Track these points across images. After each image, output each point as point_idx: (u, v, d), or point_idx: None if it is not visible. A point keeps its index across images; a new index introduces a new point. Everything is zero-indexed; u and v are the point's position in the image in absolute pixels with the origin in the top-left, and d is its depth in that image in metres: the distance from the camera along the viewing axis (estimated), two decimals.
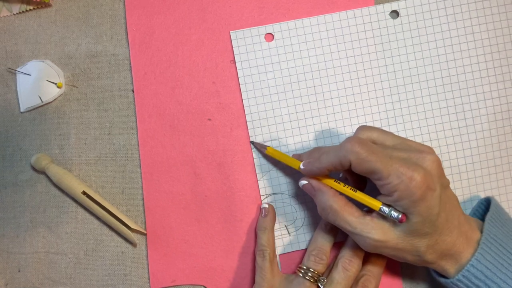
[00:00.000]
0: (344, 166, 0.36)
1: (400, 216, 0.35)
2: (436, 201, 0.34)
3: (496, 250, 0.37)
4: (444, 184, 0.36)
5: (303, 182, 0.39)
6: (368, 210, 0.38)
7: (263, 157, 0.44)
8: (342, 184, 0.38)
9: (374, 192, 0.37)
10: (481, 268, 0.36)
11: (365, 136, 0.38)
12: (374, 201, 0.36)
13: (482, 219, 0.40)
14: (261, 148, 0.43)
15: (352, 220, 0.36)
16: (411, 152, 0.36)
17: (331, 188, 0.38)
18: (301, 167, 0.39)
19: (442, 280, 0.38)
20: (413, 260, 0.37)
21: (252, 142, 0.44)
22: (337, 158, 0.36)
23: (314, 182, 0.39)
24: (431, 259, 0.37)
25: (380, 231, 0.35)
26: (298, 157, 0.41)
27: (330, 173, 0.38)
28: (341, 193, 0.38)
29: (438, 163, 0.36)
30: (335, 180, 0.38)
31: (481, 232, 0.38)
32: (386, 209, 0.35)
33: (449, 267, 0.37)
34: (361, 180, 0.40)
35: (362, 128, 0.39)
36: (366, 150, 0.35)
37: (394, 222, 0.35)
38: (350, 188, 0.38)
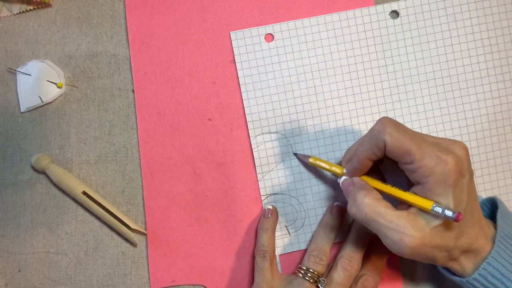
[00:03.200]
0: (381, 149, 0.35)
1: (455, 214, 0.32)
2: (466, 188, 0.34)
3: (510, 247, 0.36)
4: (471, 173, 0.35)
5: (344, 178, 0.39)
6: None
7: (304, 167, 0.44)
8: (389, 185, 0.37)
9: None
10: (497, 266, 0.35)
11: None
12: (425, 201, 0.34)
13: (488, 217, 0.40)
14: (304, 159, 0.43)
15: (387, 212, 0.34)
16: (440, 139, 0.35)
17: (370, 185, 0.37)
18: (344, 170, 0.38)
19: (456, 279, 0.37)
20: (441, 259, 0.35)
21: (295, 154, 0.44)
22: (372, 142, 0.35)
23: (356, 179, 0.38)
24: (457, 254, 0.35)
25: (417, 227, 0.33)
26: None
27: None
28: (383, 194, 0.37)
29: (467, 150, 0.35)
30: (382, 182, 0.38)
31: (495, 229, 0.37)
32: (439, 208, 0.33)
33: (468, 263, 0.36)
34: (380, 177, 0.40)
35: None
36: (398, 129, 0.34)
37: (430, 219, 0.33)
38: (398, 188, 0.36)
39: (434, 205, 0.33)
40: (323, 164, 0.41)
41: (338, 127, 0.44)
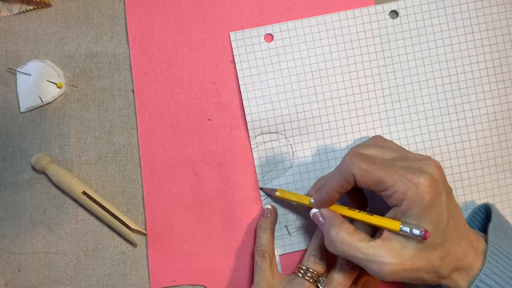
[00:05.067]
0: (349, 182, 0.35)
1: (422, 232, 0.32)
2: (444, 206, 0.34)
3: (502, 263, 0.35)
4: (449, 190, 0.35)
5: (314, 211, 0.39)
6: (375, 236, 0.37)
7: (273, 201, 0.44)
8: (357, 210, 0.37)
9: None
10: (489, 282, 0.35)
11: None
12: (393, 222, 0.34)
13: (481, 227, 0.39)
14: (270, 193, 0.43)
15: (362, 246, 0.34)
16: (412, 160, 0.35)
17: (342, 216, 0.37)
18: (312, 200, 0.39)
19: None
20: (430, 278, 0.35)
21: (261, 189, 0.44)
22: (341, 175, 0.35)
23: (325, 211, 0.38)
24: (446, 273, 0.35)
25: (394, 253, 0.33)
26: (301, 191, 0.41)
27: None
28: (350, 221, 0.37)
29: (440, 169, 0.35)
30: (348, 208, 0.38)
31: (486, 242, 0.37)
32: (407, 228, 0.33)
33: (461, 280, 0.35)
34: (361, 204, 0.40)
35: (358, 146, 0.38)
36: (366, 161, 0.34)
37: (405, 242, 0.33)
38: (365, 213, 0.36)
39: (402, 225, 0.33)
40: (290, 196, 0.41)
41: (338, 127, 0.44)
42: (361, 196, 0.41)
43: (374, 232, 0.37)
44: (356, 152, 0.36)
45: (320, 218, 0.38)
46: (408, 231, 0.33)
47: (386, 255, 0.33)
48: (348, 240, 0.35)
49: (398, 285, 0.44)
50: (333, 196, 0.37)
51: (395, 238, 0.34)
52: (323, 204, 0.38)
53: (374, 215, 0.36)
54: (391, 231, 0.34)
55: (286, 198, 0.42)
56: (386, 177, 0.33)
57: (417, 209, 0.33)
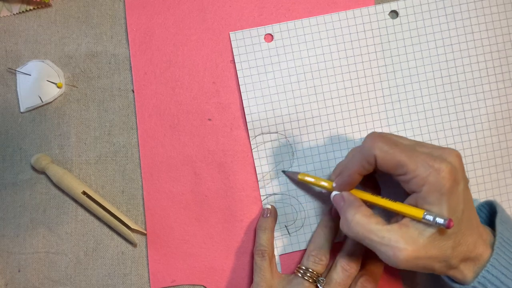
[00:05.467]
0: (370, 164, 0.35)
1: (446, 221, 0.32)
2: (461, 196, 0.33)
3: (510, 254, 0.35)
4: (466, 181, 0.35)
5: (335, 193, 0.38)
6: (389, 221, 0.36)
7: (296, 185, 0.44)
8: (379, 196, 0.37)
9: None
10: (496, 273, 0.34)
11: None
12: (416, 210, 0.34)
13: (484, 223, 0.39)
14: (293, 176, 0.43)
15: (378, 229, 0.33)
16: (432, 148, 0.35)
17: (361, 200, 0.37)
18: (334, 184, 0.38)
19: (456, 286, 0.36)
20: (439, 268, 0.34)
21: (284, 171, 0.44)
22: (362, 156, 0.35)
23: (345, 193, 0.38)
24: (455, 263, 0.34)
25: (410, 240, 0.33)
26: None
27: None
28: (375, 206, 0.37)
29: (460, 158, 0.35)
30: (371, 194, 0.37)
31: (493, 235, 0.37)
32: (430, 217, 0.32)
33: (468, 271, 0.35)
34: (374, 193, 0.40)
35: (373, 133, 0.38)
36: (388, 143, 0.34)
37: (423, 230, 0.33)
38: (388, 199, 0.36)
39: (425, 213, 0.33)
40: (312, 180, 0.41)
41: (338, 127, 0.44)
42: (375, 184, 0.41)
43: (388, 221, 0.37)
44: (377, 133, 0.35)
45: (340, 201, 0.37)
46: (431, 220, 0.32)
47: (402, 241, 0.33)
48: (365, 222, 0.34)
49: (398, 284, 0.44)
50: (355, 178, 0.37)
51: (412, 225, 0.33)
52: (344, 187, 0.38)
53: (397, 201, 0.35)
54: (414, 218, 0.34)
55: (308, 182, 0.42)
56: (407, 161, 0.33)
57: (436, 195, 0.33)
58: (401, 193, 0.36)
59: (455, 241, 0.34)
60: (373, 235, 0.34)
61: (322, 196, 0.44)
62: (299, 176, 0.42)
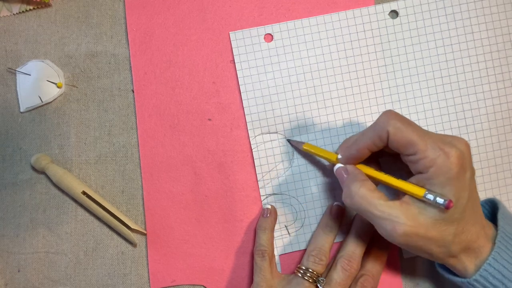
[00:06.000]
0: (382, 140, 0.35)
1: (446, 201, 0.32)
2: (467, 183, 0.34)
3: (511, 248, 0.36)
4: (473, 171, 0.36)
5: (338, 165, 0.39)
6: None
7: (299, 154, 0.44)
8: (383, 172, 0.37)
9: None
10: (498, 267, 0.35)
11: None
12: (418, 188, 0.34)
13: (487, 219, 0.39)
14: (297, 145, 0.43)
15: (380, 203, 0.34)
16: (444, 135, 0.36)
17: (365, 174, 0.37)
18: (339, 156, 0.39)
19: (457, 280, 0.37)
20: (438, 253, 0.35)
21: (288, 140, 0.44)
22: (375, 132, 0.36)
23: (349, 166, 0.38)
24: (456, 251, 0.35)
25: (410, 216, 0.34)
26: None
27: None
28: (378, 183, 0.37)
29: (469, 148, 0.35)
30: (375, 169, 0.38)
31: (495, 230, 0.37)
32: (431, 196, 0.33)
33: (469, 263, 0.36)
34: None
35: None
36: (401, 120, 0.35)
37: (424, 209, 0.34)
38: (392, 176, 0.37)
39: (427, 192, 0.34)
40: (317, 151, 0.41)
41: (338, 127, 0.44)
42: (377, 168, 0.41)
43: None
44: (392, 111, 0.36)
45: (344, 173, 0.38)
46: (432, 199, 0.33)
47: (402, 216, 0.34)
48: (368, 196, 0.35)
49: (398, 284, 0.44)
50: (363, 153, 0.37)
51: (414, 203, 0.34)
52: (350, 160, 0.38)
53: (400, 179, 0.36)
54: (415, 196, 0.34)
55: (312, 152, 0.42)
56: (418, 140, 0.34)
57: (443, 178, 0.33)
58: (404, 178, 0.36)
59: (458, 228, 0.34)
60: (374, 209, 0.34)
61: (322, 196, 0.44)
62: (304, 146, 0.42)
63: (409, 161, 0.35)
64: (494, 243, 0.36)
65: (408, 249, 0.35)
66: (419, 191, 0.34)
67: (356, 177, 0.37)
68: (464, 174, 0.34)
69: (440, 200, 0.33)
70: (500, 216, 0.38)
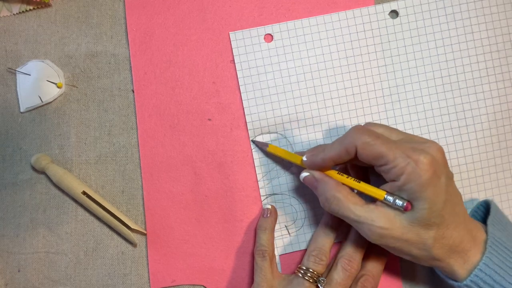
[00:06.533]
0: (349, 154, 0.36)
1: (405, 204, 0.34)
2: (442, 188, 0.34)
3: (502, 253, 0.36)
4: (449, 175, 0.36)
5: (305, 174, 0.39)
6: (372, 201, 0.37)
7: (264, 156, 0.44)
8: (345, 175, 0.38)
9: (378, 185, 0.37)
10: (489, 272, 0.35)
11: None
12: (378, 191, 0.36)
13: (482, 221, 0.40)
14: (262, 146, 0.43)
15: (356, 208, 0.36)
16: (416, 143, 0.36)
17: (334, 178, 0.38)
18: (304, 159, 0.39)
19: (451, 282, 0.37)
20: (421, 256, 0.36)
21: (253, 141, 0.44)
22: (343, 145, 0.36)
23: (317, 173, 0.38)
24: (439, 255, 0.35)
25: (385, 219, 0.35)
26: (300, 154, 0.41)
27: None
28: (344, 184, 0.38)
29: (443, 153, 0.36)
30: (337, 172, 0.38)
31: (486, 233, 0.37)
32: (390, 198, 0.35)
33: (458, 267, 0.36)
34: (363, 176, 0.40)
35: (368, 124, 0.39)
36: (371, 135, 0.35)
37: (400, 211, 0.35)
38: (353, 179, 0.37)
39: (386, 195, 0.35)
40: (281, 153, 0.42)
41: (338, 127, 0.44)
42: (365, 175, 0.41)
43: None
44: (362, 126, 0.37)
45: (314, 182, 0.38)
46: (391, 201, 0.35)
47: (377, 219, 0.35)
48: (344, 201, 0.36)
49: (398, 284, 0.44)
50: (328, 164, 0.38)
51: (389, 207, 0.35)
52: (314, 167, 0.39)
53: (361, 182, 0.37)
54: (376, 199, 0.36)
55: (277, 154, 0.42)
56: (387, 152, 0.34)
57: (413, 185, 0.33)
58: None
59: (438, 232, 0.35)
60: (351, 213, 0.36)
61: None
62: (268, 149, 0.43)
63: (381, 171, 0.36)
64: (485, 248, 0.36)
65: (391, 251, 0.37)
66: (379, 194, 0.35)
67: (328, 184, 0.37)
68: (438, 179, 0.34)
69: (399, 202, 0.34)
70: (489, 221, 0.38)
